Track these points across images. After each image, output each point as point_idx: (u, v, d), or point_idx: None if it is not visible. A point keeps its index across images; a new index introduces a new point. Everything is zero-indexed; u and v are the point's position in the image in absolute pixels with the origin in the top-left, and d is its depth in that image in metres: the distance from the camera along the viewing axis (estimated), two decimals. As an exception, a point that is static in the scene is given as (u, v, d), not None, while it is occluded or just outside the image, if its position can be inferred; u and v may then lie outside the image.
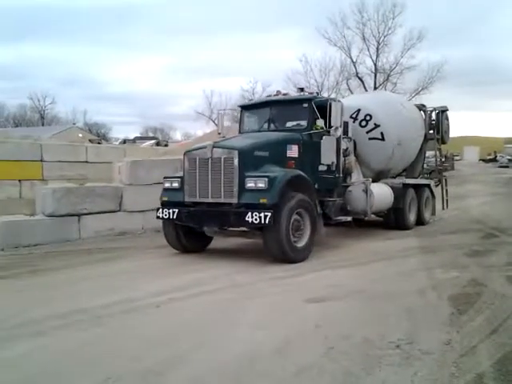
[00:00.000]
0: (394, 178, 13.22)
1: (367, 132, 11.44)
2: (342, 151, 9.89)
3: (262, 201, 7.43)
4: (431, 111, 13.88)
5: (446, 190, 14.57)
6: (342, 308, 5.47)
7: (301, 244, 7.95)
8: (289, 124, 9.42)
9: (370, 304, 5.63)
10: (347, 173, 10.92)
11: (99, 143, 32.78)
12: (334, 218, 9.31)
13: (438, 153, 14.54)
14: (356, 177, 11.15)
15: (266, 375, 3.70)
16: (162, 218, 8.45)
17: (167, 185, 8.64)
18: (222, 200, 7.84)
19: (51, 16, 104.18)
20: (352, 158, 11.13)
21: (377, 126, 11.39)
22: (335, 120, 8.82)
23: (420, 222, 12.76)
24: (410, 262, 8.18)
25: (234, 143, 8.27)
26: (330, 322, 4.93)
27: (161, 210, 8.47)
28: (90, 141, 33.82)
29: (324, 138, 8.99)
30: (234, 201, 7.70)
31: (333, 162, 9.38)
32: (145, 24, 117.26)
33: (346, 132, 10.66)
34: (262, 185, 7.48)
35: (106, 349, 4.26)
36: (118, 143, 49.91)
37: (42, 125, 71.97)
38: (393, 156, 11.78)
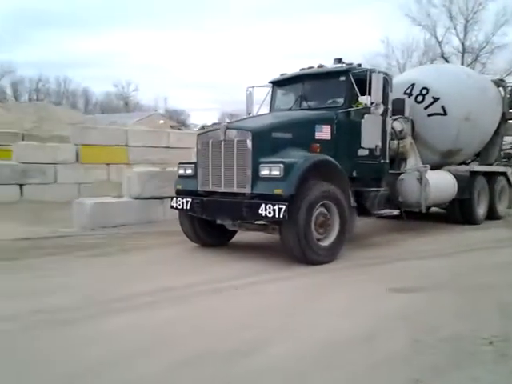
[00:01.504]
0: (467, 163, 11.52)
1: (425, 108, 9.86)
2: (389, 133, 8.48)
3: (276, 191, 6.29)
4: (512, 87, 11.87)
5: (528, 179, 12.45)
6: (430, 299, 5.14)
7: (326, 242, 6.73)
8: (325, 101, 8.10)
9: (459, 296, 5.24)
10: (401, 158, 9.52)
11: (180, 129, 33.23)
12: (373, 212, 7.93)
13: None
14: (413, 163, 9.68)
15: (349, 364, 3.54)
16: (176, 208, 7.58)
17: (181, 171, 7.73)
18: (235, 190, 6.80)
19: (131, 3, 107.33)
20: (408, 140, 9.68)
21: (436, 99, 9.77)
22: (376, 94, 7.42)
23: (492, 215, 10.97)
24: (503, 253, 7.59)
25: (249, 123, 7.14)
26: (417, 313, 4.67)
27: (175, 199, 7.59)
28: (171, 127, 34.33)
29: (366, 116, 7.64)
30: (247, 191, 6.63)
31: (377, 146, 8.01)
32: (223, 9, 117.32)
33: (401, 111, 9.30)
34: (276, 172, 6.34)
35: (190, 327, 4.27)
36: (196, 129, 50.55)
37: (127, 112, 74.45)
38: (459, 133, 10.01)
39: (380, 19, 75.81)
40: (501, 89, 11.70)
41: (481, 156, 11.82)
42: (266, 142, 6.70)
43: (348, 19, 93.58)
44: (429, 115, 9.83)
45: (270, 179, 6.39)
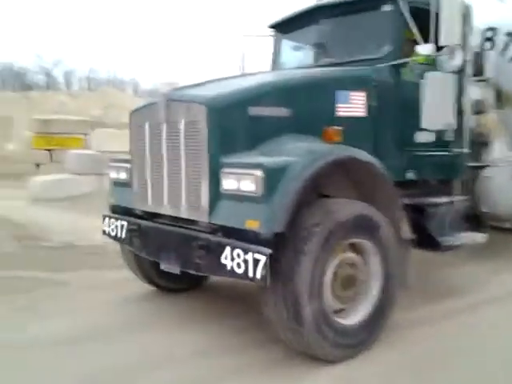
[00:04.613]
0: None
1: (502, 52, 6.35)
2: (469, 102, 5.12)
3: (249, 224, 3.14)
4: None
5: None
6: None
7: (353, 318, 3.49)
8: (358, 52, 4.67)
9: None
10: (482, 143, 6.19)
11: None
12: (443, 242, 4.55)
13: None
14: (500, 150, 6.33)
15: None
16: (108, 234, 4.59)
17: (113, 174, 4.68)
18: (184, 213, 3.70)
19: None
20: (491, 115, 6.40)
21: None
22: (449, 33, 4.06)
23: None
24: None
25: (207, 90, 3.85)
26: None
27: (107, 219, 4.59)
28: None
29: (429, 75, 4.30)
30: (203, 218, 3.51)
31: (449, 126, 4.68)
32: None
33: (478, 70, 6.03)
34: (250, 186, 3.15)
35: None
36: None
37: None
38: None
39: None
40: None
41: None
42: (236, 124, 3.50)
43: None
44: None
45: (240, 198, 3.25)
